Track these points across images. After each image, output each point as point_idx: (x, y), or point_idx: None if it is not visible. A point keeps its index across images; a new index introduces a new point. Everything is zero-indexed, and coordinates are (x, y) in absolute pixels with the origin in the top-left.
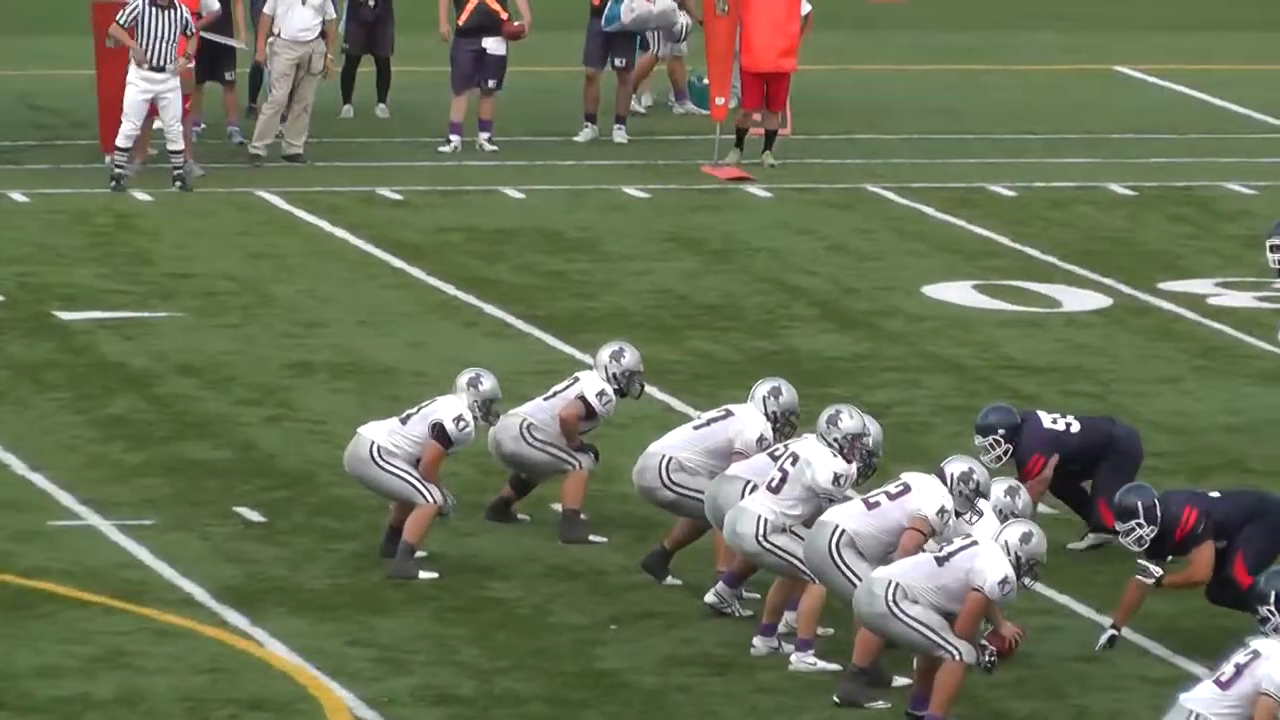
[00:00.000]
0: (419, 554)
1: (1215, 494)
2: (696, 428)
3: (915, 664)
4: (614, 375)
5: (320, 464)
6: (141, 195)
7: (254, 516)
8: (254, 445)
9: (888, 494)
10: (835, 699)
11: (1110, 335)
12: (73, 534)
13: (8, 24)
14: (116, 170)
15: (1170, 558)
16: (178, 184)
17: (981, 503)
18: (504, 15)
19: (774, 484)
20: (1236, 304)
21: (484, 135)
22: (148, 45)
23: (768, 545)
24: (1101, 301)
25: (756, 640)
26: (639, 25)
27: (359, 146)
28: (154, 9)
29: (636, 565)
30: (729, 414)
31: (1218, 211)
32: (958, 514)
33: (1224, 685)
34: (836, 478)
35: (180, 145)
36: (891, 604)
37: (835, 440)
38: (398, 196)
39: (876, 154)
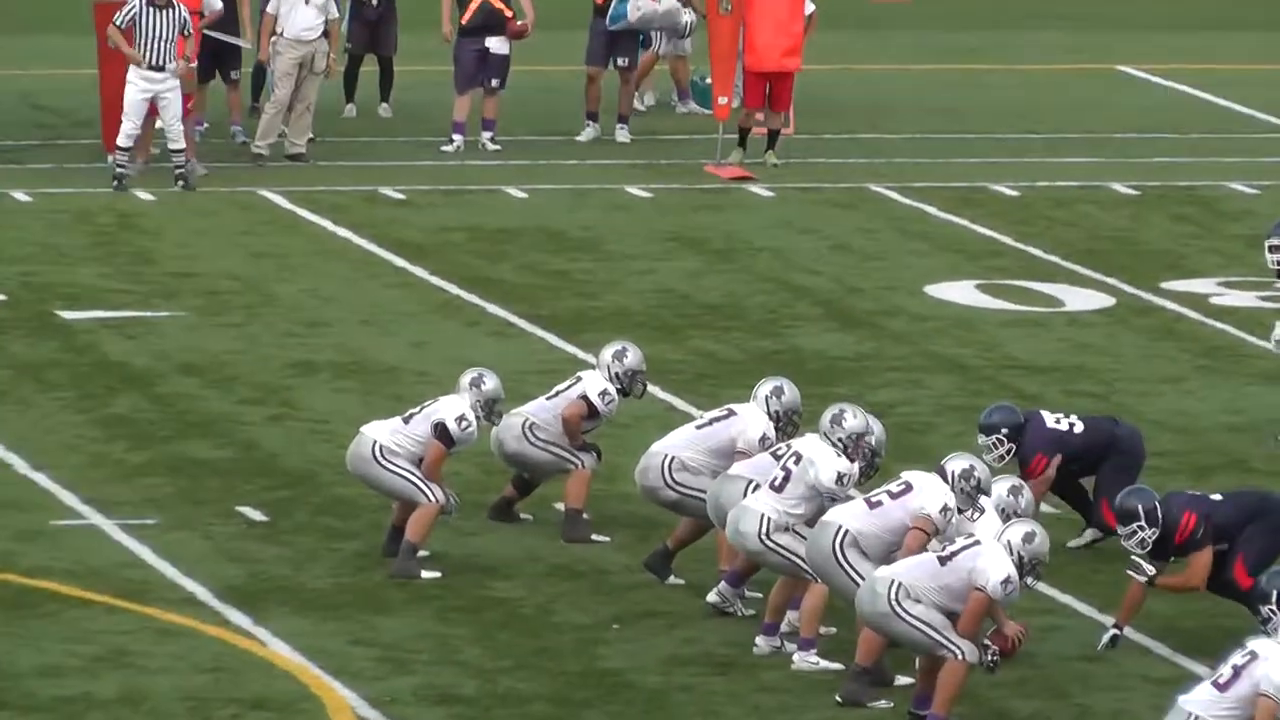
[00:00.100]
0: (421, 553)
1: (1217, 496)
2: (699, 427)
3: (917, 663)
4: (616, 375)
5: (323, 463)
6: (144, 195)
7: (256, 516)
8: (256, 445)
9: (890, 493)
10: (838, 698)
11: (1113, 335)
12: (75, 533)
13: (10, 23)
14: (119, 170)
15: (1172, 559)
16: (180, 183)
17: (983, 500)
18: (508, 14)
19: (777, 483)
20: (1239, 304)
21: (487, 135)
22: (145, 45)
23: (771, 544)
24: (1104, 301)
25: (759, 640)
26: (644, 24)
27: (362, 146)
28: (151, 8)
29: (639, 565)
30: (731, 413)
31: (1220, 211)
32: (959, 511)
33: (1222, 687)
34: (840, 477)
35: (181, 144)
36: (894, 603)
37: (839, 439)
38: (400, 196)
39: (879, 153)
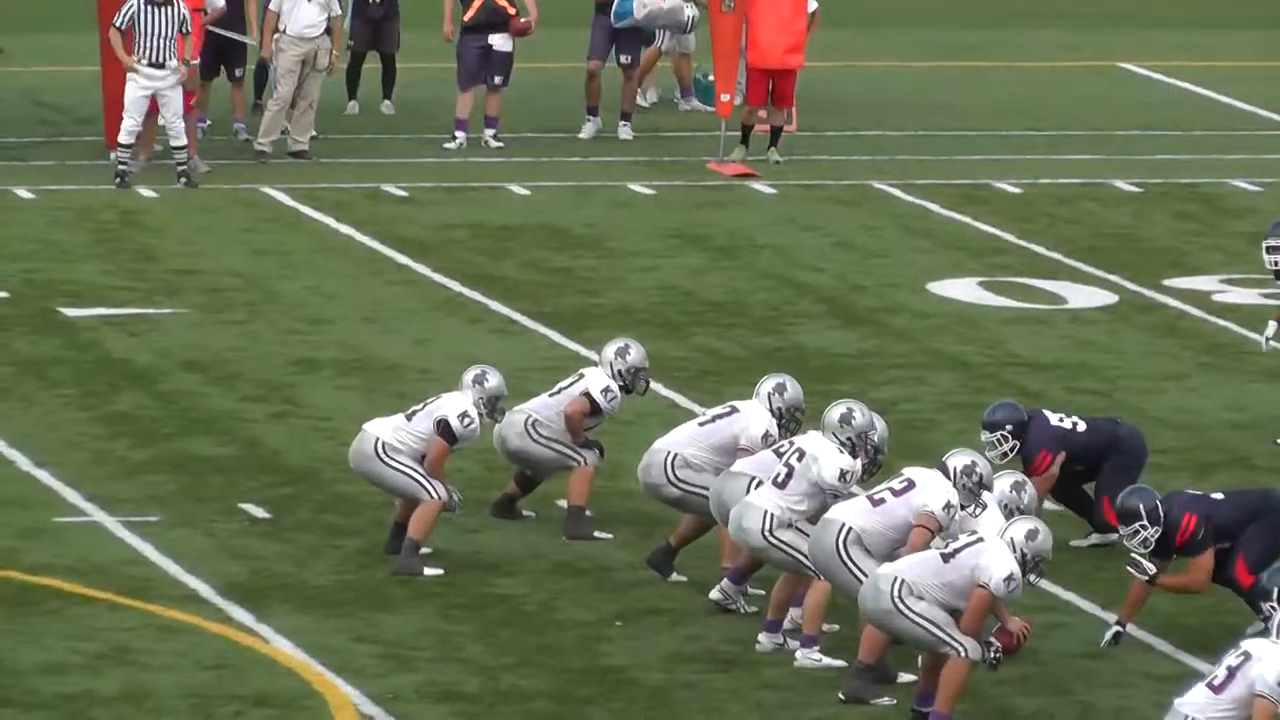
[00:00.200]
0: (424, 550)
1: (1218, 496)
2: (702, 424)
3: (920, 660)
4: (619, 372)
5: (325, 460)
6: (147, 192)
7: (259, 513)
8: (259, 442)
9: (892, 490)
10: (841, 695)
11: (1115, 332)
12: (78, 530)
13: (13, 21)
14: (121, 167)
15: (1175, 557)
16: (182, 180)
17: (985, 495)
18: (512, 11)
19: (780, 479)
20: (1242, 301)
21: (489, 132)
22: (145, 42)
23: (773, 540)
24: (1107, 298)
25: (762, 637)
26: (650, 22)
27: (364, 143)
28: (150, 6)
29: (642, 561)
30: (734, 410)
31: (1223, 208)
32: (962, 508)
33: (1216, 689)
34: (843, 474)
35: (182, 141)
36: (897, 600)
37: (848, 439)
38: (403, 193)
39: (882, 150)
